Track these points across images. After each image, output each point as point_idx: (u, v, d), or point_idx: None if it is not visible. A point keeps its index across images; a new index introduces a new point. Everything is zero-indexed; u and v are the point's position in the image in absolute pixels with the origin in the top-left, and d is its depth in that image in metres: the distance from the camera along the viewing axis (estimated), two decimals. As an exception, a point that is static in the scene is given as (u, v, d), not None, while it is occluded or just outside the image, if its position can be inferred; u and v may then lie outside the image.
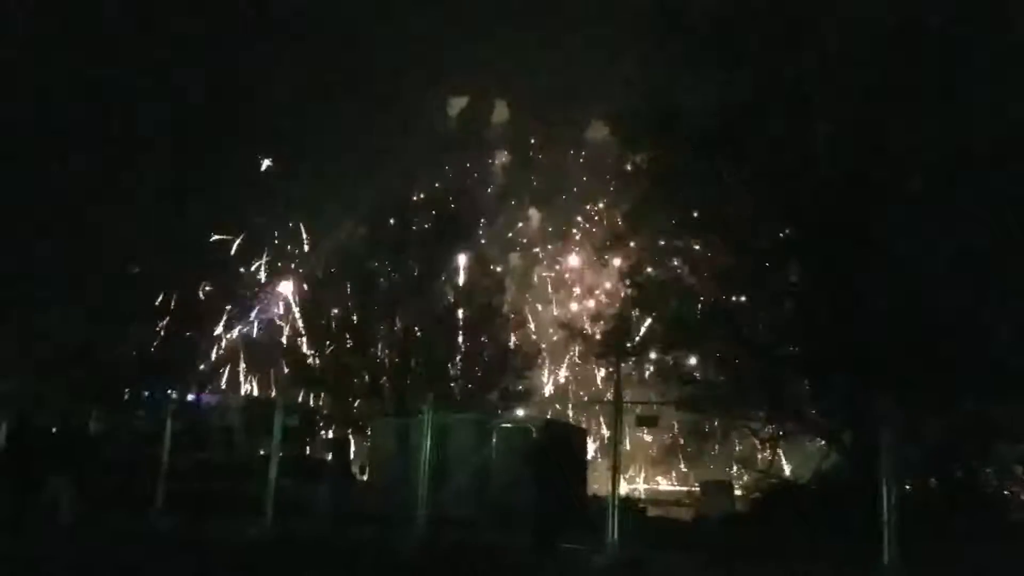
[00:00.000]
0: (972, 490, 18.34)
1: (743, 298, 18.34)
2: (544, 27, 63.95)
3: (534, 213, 72.94)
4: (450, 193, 37.65)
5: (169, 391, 28.21)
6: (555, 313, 55.58)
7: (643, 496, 44.04)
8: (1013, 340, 14.64)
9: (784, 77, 16.69)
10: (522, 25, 65.69)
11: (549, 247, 69.83)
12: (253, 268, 52.95)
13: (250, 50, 58.98)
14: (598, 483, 25.19)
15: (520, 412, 27.62)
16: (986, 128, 15.01)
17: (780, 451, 19.52)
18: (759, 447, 20.40)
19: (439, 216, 31.01)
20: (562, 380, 62.49)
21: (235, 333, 51.86)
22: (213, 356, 46.11)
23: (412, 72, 65.63)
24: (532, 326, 41.33)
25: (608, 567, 11.51)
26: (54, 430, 20.58)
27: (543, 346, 37.13)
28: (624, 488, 20.02)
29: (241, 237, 55.31)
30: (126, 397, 29.72)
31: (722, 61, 17.33)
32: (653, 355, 18.96)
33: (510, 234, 68.81)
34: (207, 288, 41.65)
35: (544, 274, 69.08)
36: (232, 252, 55.27)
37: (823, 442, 18.20)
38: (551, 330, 46.66)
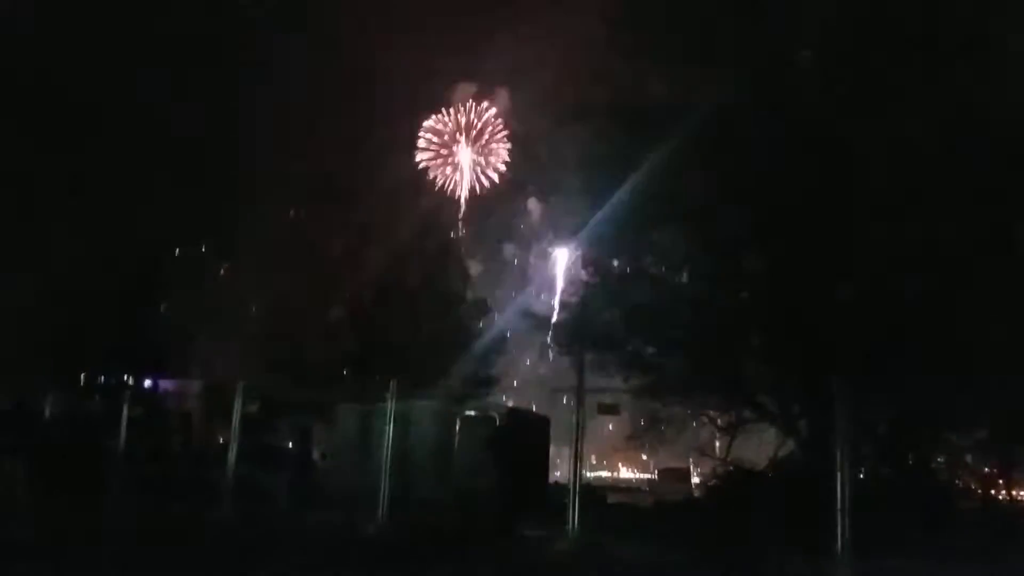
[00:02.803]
0: (924, 479, 18.77)
1: (704, 287, 18.40)
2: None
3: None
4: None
5: (126, 377, 27.65)
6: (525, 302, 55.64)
7: (605, 483, 44.49)
8: (978, 330, 14.82)
9: (755, 67, 16.62)
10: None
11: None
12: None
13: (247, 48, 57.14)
14: (560, 471, 25.38)
15: (485, 400, 27.63)
16: (960, 115, 15.04)
17: (737, 439, 19.72)
18: (717, 435, 20.64)
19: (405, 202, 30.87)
20: (528, 368, 62.75)
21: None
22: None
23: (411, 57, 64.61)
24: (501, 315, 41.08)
25: (568, 553, 11.61)
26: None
27: (508, 334, 37.08)
28: (586, 475, 20.17)
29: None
30: (82, 382, 29.10)
31: (688, 55, 17.29)
32: (615, 344, 19.00)
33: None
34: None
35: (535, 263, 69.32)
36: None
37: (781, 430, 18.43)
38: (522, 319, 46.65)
